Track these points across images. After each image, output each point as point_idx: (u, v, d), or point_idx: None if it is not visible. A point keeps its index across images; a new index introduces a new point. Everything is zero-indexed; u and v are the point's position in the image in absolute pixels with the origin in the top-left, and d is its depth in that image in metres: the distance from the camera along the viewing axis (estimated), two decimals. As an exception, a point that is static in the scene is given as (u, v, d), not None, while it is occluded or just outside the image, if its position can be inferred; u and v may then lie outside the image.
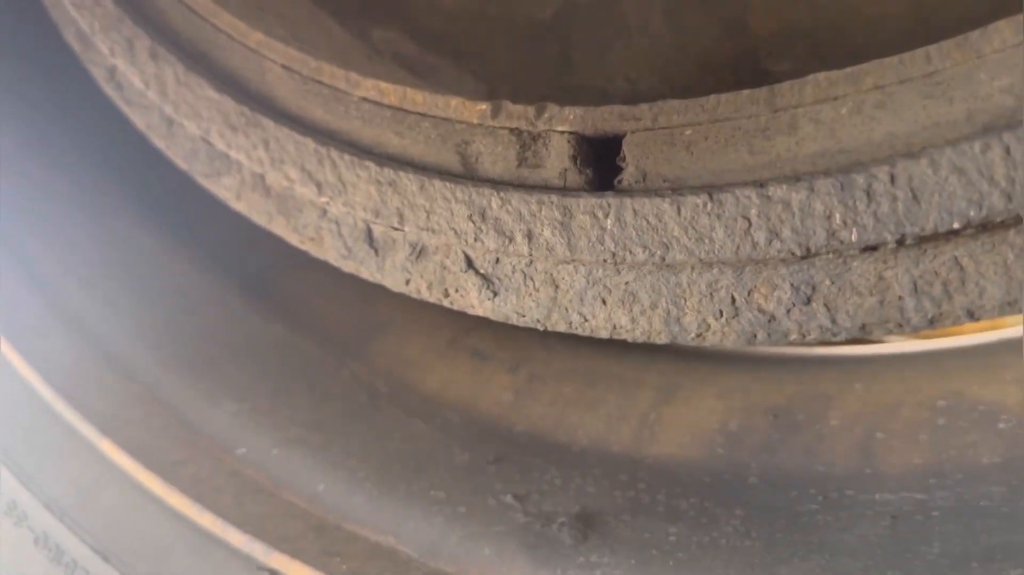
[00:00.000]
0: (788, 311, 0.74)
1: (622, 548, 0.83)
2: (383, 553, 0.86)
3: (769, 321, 0.75)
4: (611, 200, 0.75)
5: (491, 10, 1.20)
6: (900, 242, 0.67)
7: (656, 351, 1.10)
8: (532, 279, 0.84)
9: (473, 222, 0.82)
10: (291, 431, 0.98)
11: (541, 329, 0.86)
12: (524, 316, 0.86)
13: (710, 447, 0.95)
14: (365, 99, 0.88)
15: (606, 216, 0.76)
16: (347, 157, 0.87)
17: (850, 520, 0.81)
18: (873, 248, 0.69)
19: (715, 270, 0.75)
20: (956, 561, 0.72)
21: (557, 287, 0.83)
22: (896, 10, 1.03)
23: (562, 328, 0.85)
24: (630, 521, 0.86)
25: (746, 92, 0.71)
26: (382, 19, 1.20)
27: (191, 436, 0.99)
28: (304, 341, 1.13)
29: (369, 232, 0.92)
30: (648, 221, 0.74)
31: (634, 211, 0.75)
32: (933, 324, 0.70)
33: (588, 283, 0.82)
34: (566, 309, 0.83)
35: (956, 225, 0.65)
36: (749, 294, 0.75)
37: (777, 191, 0.69)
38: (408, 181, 0.84)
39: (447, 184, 0.83)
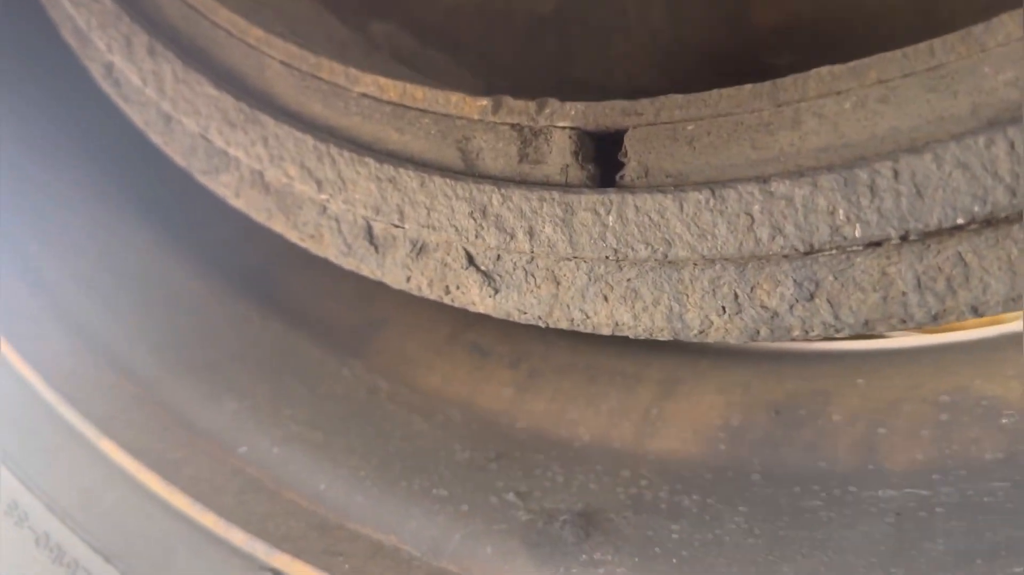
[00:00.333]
0: (791, 307, 0.74)
1: (625, 546, 0.82)
2: (386, 552, 0.86)
3: (772, 317, 0.75)
4: (613, 196, 0.75)
5: (491, 4, 1.19)
6: (904, 238, 0.67)
7: (657, 347, 1.10)
8: (533, 276, 0.84)
9: (474, 219, 0.82)
10: (292, 429, 0.98)
11: (543, 326, 0.85)
12: (525, 313, 0.85)
13: (712, 443, 0.94)
14: (365, 95, 0.87)
15: (608, 213, 0.76)
16: (347, 154, 0.87)
17: (854, 517, 0.81)
18: (877, 244, 0.68)
19: (718, 266, 0.75)
20: (960, 558, 0.72)
21: (559, 284, 0.83)
22: (898, 3, 1.03)
23: (564, 325, 0.84)
24: (633, 518, 0.86)
25: (749, 87, 0.71)
26: (381, 13, 1.20)
27: (192, 435, 0.98)
28: (304, 340, 1.13)
29: (369, 229, 0.91)
30: (650, 217, 0.74)
31: (636, 207, 0.74)
32: (937, 320, 0.69)
33: (590, 280, 0.81)
34: (568, 306, 0.83)
35: (960, 221, 0.64)
36: (752, 290, 0.75)
37: (780, 187, 0.69)
38: (408, 178, 0.84)
39: (447, 181, 0.82)
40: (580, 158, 0.78)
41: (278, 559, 0.85)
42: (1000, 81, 0.63)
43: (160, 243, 1.17)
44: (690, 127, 0.73)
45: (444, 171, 0.83)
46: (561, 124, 0.78)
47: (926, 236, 0.67)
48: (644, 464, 0.94)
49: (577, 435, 0.99)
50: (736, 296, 0.75)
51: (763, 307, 0.75)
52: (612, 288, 0.81)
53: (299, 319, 1.14)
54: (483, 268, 0.86)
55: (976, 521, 0.75)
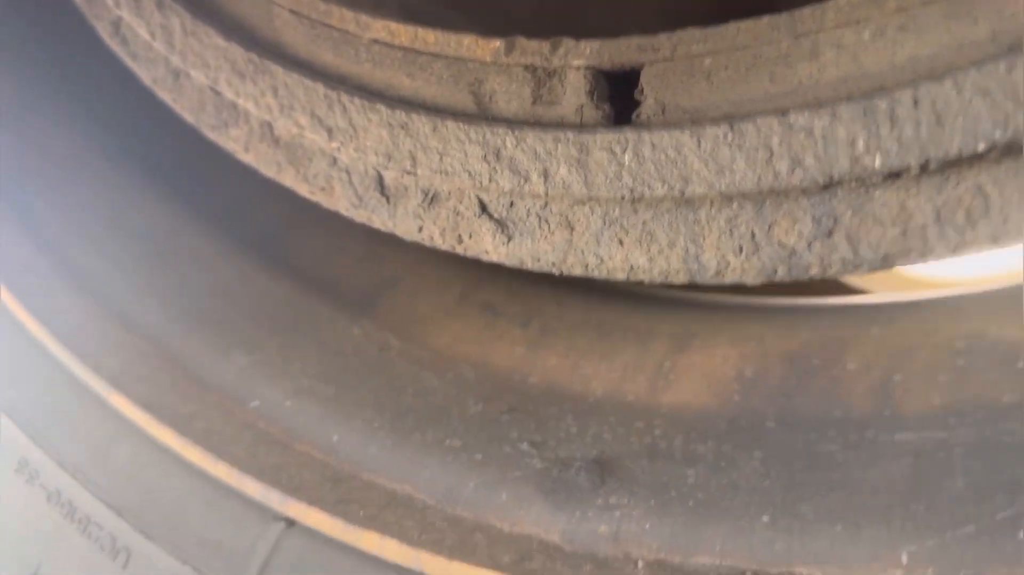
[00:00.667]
0: (809, 244, 0.73)
1: (640, 490, 0.82)
2: (400, 500, 0.86)
3: (790, 255, 0.74)
4: (629, 135, 0.74)
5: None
6: (923, 168, 0.66)
7: (669, 303, 1.10)
8: (547, 222, 0.83)
9: (487, 162, 0.81)
10: (303, 383, 0.98)
11: (556, 273, 0.85)
12: (539, 260, 0.85)
13: (726, 394, 0.94)
14: (376, 41, 0.87)
15: (624, 151, 0.75)
16: (358, 101, 0.86)
17: (871, 459, 0.80)
18: (896, 175, 0.68)
19: (735, 204, 0.74)
20: (981, 493, 0.72)
21: (572, 229, 0.82)
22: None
23: (578, 271, 0.84)
24: (648, 466, 0.86)
25: (766, 18, 0.70)
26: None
27: (202, 390, 0.98)
28: (313, 298, 1.12)
29: (380, 179, 0.90)
30: (667, 154, 0.73)
31: (652, 145, 0.74)
32: (956, 252, 0.69)
33: (604, 224, 0.81)
34: (582, 251, 0.82)
35: (981, 147, 0.64)
36: (770, 228, 0.74)
37: (799, 119, 0.68)
38: (420, 123, 0.83)
39: (460, 125, 0.81)
40: (595, 98, 0.78)
41: (293, 508, 0.85)
42: (1021, 6, 0.63)
43: (168, 203, 1.17)
44: (707, 61, 0.73)
45: (457, 115, 0.83)
46: (576, 63, 0.78)
47: (945, 167, 0.66)
48: (658, 416, 0.94)
49: (590, 389, 0.99)
50: (753, 235, 0.75)
51: (781, 245, 0.74)
52: (627, 231, 0.80)
53: (308, 278, 1.14)
54: (496, 216, 0.85)
55: (996, 460, 0.75)
